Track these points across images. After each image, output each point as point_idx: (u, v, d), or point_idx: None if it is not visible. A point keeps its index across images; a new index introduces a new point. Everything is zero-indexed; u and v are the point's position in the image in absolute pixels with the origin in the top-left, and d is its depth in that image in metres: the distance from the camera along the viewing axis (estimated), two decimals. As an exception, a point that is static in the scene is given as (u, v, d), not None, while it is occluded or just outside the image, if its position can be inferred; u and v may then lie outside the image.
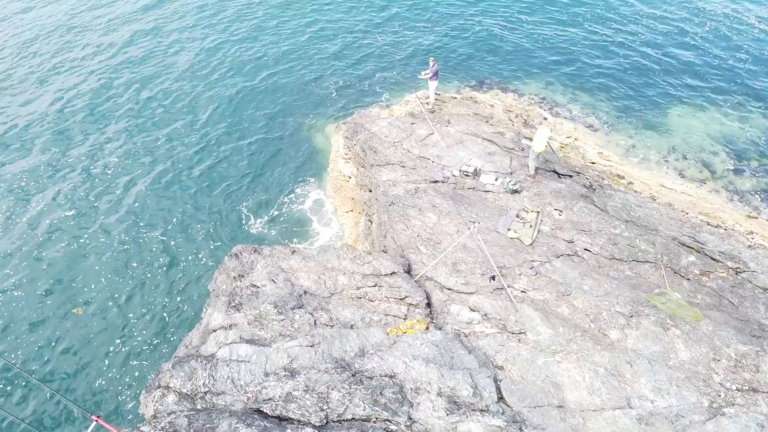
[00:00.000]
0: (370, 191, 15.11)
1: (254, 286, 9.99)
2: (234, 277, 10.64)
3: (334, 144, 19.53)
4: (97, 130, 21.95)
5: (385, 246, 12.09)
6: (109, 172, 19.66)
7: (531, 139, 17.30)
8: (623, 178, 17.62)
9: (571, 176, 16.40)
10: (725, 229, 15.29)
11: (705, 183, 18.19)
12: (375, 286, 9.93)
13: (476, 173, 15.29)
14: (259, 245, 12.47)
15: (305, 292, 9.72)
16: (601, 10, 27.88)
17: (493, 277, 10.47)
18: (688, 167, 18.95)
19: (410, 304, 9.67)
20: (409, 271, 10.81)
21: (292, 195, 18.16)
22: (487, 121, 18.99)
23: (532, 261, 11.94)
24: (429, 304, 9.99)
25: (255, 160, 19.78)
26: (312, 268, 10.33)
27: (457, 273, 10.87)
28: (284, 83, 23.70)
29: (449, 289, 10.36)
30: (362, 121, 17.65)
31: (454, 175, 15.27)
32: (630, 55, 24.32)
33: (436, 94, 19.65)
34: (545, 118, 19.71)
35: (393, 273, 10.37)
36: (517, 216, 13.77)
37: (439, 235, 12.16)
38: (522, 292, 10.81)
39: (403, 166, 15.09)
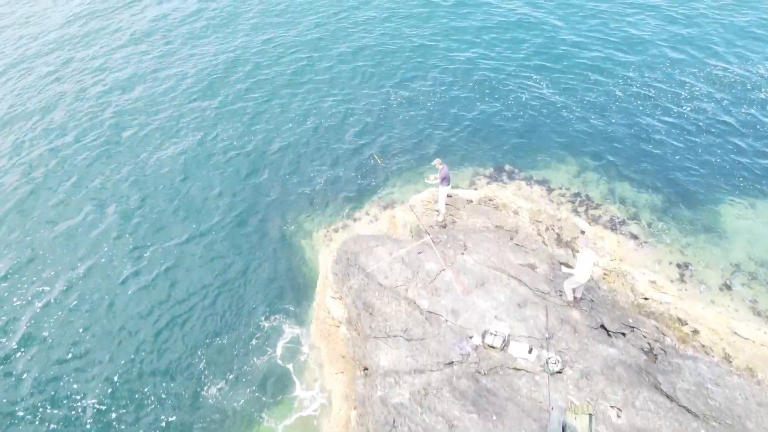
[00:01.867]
0: (366, 369, 11.45)
1: None
2: None
3: (322, 263, 15.87)
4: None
5: None
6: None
7: (569, 266, 13.72)
8: (686, 323, 13.96)
9: (624, 333, 12.77)
10: (831, 419, 11.67)
11: (785, 322, 14.54)
12: None
13: (505, 343, 11.64)
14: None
15: None
16: (636, 70, 24.15)
17: None
18: (759, 294, 15.30)
19: None
20: None
21: (265, 336, 14.42)
22: (511, 238, 15.34)
23: None
24: None
25: (215, 278, 16.03)
26: None
27: None
28: (260, 170, 19.89)
29: None
30: (356, 248, 14.00)
31: (476, 346, 11.63)
32: (673, 131, 20.64)
33: (447, 196, 16.09)
34: (582, 231, 16.05)
35: None
36: (564, 429, 10.12)
37: (461, 497, 8.49)
38: None
39: (408, 339, 11.44)
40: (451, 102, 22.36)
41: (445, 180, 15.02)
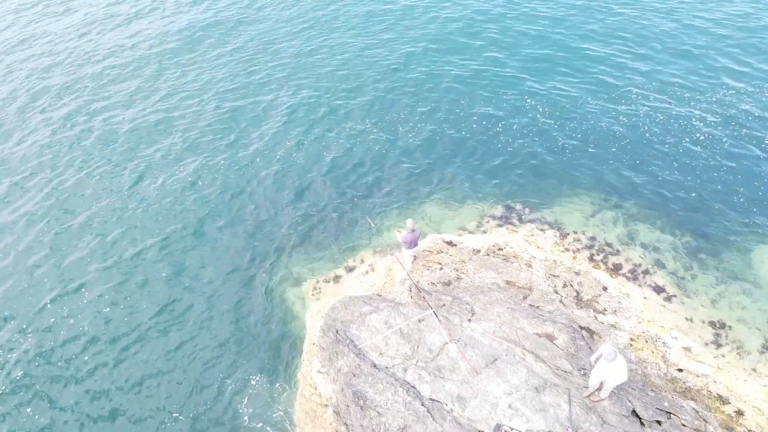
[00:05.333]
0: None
1: None
2: None
3: (309, 324, 14.05)
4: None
5: None
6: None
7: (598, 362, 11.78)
8: (728, 401, 12.16)
9: (659, 422, 10.95)
10: None
11: (838, 397, 12.71)
12: None
13: (522, 443, 9.84)
14: None
15: None
16: (654, 89, 22.26)
17: None
18: (806, 359, 13.48)
19: None
20: None
21: (233, 409, 12.58)
22: (525, 298, 13.55)
23: None
24: None
25: (180, 335, 14.17)
26: None
27: None
28: (251, 206, 18.14)
29: None
30: (347, 315, 12.20)
31: (488, 446, 9.82)
32: (695, 161, 18.77)
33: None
34: (605, 288, 14.25)
35: None
36: None
37: None
38: None
39: (409, 442, 9.61)
40: (459, 133, 20.57)
41: (408, 244, 13.34)
